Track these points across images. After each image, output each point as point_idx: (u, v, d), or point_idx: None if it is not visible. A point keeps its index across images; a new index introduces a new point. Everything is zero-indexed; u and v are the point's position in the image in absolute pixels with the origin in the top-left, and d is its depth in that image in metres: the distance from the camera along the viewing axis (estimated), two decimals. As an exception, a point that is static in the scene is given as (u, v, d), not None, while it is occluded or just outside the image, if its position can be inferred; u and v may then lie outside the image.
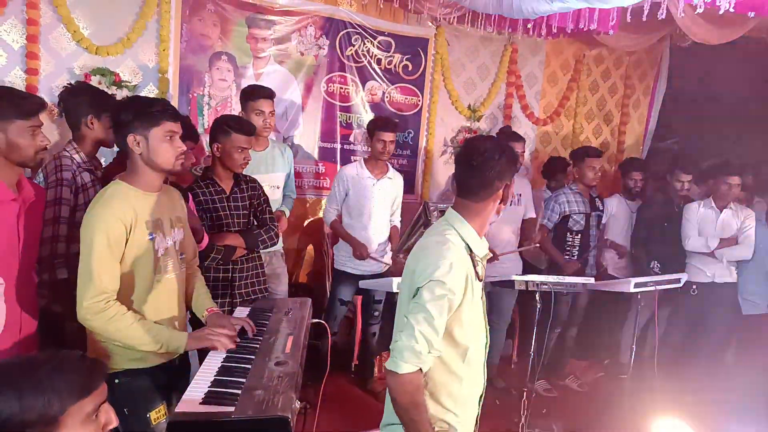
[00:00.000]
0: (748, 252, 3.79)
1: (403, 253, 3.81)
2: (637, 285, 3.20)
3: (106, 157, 3.07)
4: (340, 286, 3.66)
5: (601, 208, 4.06)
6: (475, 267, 1.69)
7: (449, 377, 1.68)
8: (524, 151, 4.04)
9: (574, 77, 5.21)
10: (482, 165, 1.67)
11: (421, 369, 1.56)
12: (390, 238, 3.73)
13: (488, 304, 3.92)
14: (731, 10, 2.96)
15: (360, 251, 3.51)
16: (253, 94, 3.24)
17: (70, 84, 2.71)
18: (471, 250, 1.69)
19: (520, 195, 3.89)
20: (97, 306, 1.75)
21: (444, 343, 1.64)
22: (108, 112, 2.53)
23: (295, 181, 3.89)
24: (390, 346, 1.62)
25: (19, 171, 1.93)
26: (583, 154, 3.94)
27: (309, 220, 4.30)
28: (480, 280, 1.72)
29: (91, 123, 2.51)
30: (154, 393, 1.88)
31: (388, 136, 3.49)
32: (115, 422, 1.20)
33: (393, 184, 3.69)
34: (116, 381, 1.81)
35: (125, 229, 1.80)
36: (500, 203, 1.73)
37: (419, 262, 1.65)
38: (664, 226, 4.03)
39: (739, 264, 3.90)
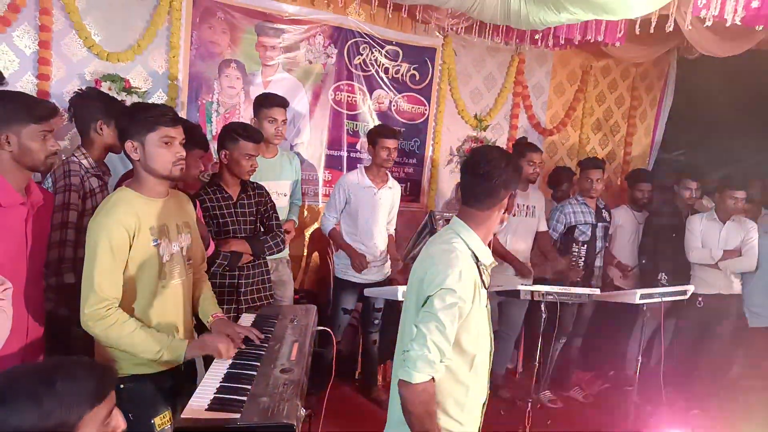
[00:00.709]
0: (752, 264, 3.78)
1: (410, 261, 3.82)
2: (642, 296, 3.19)
3: (114, 163, 3.08)
4: (342, 294, 3.65)
5: (608, 219, 4.05)
6: (481, 275, 1.70)
7: (456, 385, 1.68)
8: (542, 162, 3.99)
9: (580, 88, 5.22)
10: (488, 174, 1.68)
11: (433, 378, 1.57)
12: (387, 247, 3.73)
13: (497, 313, 3.92)
14: (739, 23, 2.96)
15: (359, 262, 3.51)
16: (267, 101, 3.27)
17: (81, 89, 2.73)
18: (477, 258, 1.70)
19: (534, 207, 3.88)
20: (98, 313, 1.76)
21: (452, 351, 1.64)
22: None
23: (301, 188, 3.91)
24: (401, 356, 1.62)
25: (28, 175, 1.95)
26: (583, 165, 3.97)
27: (314, 228, 4.31)
28: (486, 288, 1.73)
29: (101, 129, 2.53)
30: (159, 399, 1.88)
31: (392, 143, 3.50)
32: (123, 426, 1.20)
33: (392, 193, 3.70)
34: (121, 386, 1.80)
35: (128, 236, 1.81)
36: (504, 213, 1.75)
37: (428, 271, 1.66)
38: (671, 237, 4.01)
39: (744, 276, 3.88)
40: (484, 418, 1.83)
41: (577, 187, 4.00)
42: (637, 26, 3.48)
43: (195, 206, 2.40)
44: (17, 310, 1.81)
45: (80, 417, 1.09)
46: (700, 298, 3.84)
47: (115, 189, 2.51)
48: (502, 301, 3.77)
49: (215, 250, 2.61)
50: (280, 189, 3.38)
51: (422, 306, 1.62)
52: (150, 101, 3.48)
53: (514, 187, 1.73)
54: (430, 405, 1.57)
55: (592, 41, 3.87)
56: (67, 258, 2.31)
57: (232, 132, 2.72)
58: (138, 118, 1.85)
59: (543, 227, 3.95)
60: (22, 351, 1.86)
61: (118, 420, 1.20)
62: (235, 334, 2.00)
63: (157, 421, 1.85)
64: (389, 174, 3.70)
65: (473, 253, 1.69)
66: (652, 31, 3.27)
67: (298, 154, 4.09)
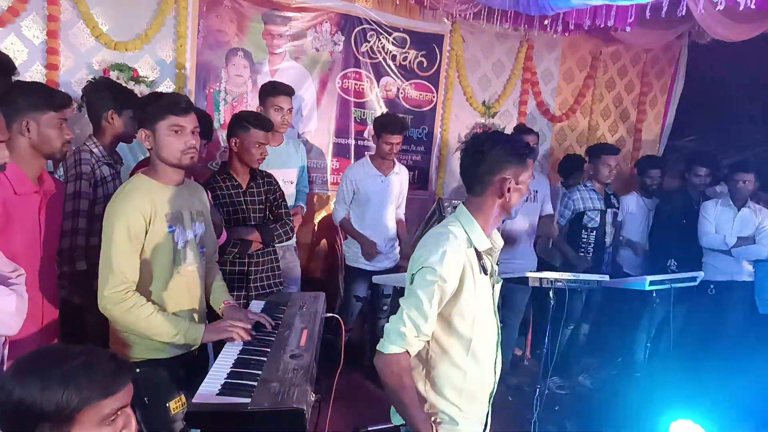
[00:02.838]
0: (765, 252, 3.75)
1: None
2: (652, 283, 3.17)
3: (125, 153, 3.11)
4: (354, 282, 3.68)
5: (616, 205, 4.03)
6: (480, 260, 1.68)
7: (452, 369, 1.70)
8: (537, 144, 4.02)
9: (590, 74, 5.16)
10: (473, 157, 1.69)
11: (408, 352, 1.61)
12: (397, 232, 3.75)
13: (500, 299, 3.90)
14: (752, 6, 2.92)
15: (370, 250, 3.52)
16: (273, 90, 3.27)
17: (94, 79, 2.75)
18: (473, 243, 1.68)
19: (536, 191, 3.87)
20: (117, 296, 1.79)
21: (446, 333, 1.68)
22: (128, 108, 2.58)
23: (309, 177, 3.92)
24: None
25: (43, 164, 1.98)
26: (599, 151, 3.91)
27: (322, 215, 4.32)
28: (486, 274, 1.70)
29: (112, 118, 2.55)
30: (173, 383, 1.91)
31: (396, 139, 3.49)
32: (134, 429, 1.18)
33: (399, 178, 3.70)
34: (137, 370, 1.84)
35: (145, 222, 1.84)
36: (500, 199, 1.68)
37: (416, 251, 1.70)
38: (682, 224, 3.99)
39: (755, 263, 3.85)
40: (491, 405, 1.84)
41: (591, 173, 3.97)
42: (648, 11, 3.43)
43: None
44: (32, 296, 1.84)
45: (81, 407, 1.07)
46: (712, 285, 3.82)
47: (130, 177, 2.54)
48: (504, 288, 3.76)
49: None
50: (287, 177, 3.39)
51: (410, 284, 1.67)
52: (157, 90, 3.49)
53: (507, 171, 1.66)
54: (403, 377, 1.60)
55: (601, 26, 3.82)
56: (79, 246, 2.34)
57: (243, 120, 2.73)
58: (149, 107, 1.88)
59: (546, 211, 3.95)
60: (37, 334, 1.90)
61: (130, 422, 1.17)
62: (247, 320, 2.02)
63: (171, 404, 1.88)
64: (395, 159, 3.70)
65: (469, 237, 1.68)
66: (663, 15, 3.22)
67: (306, 141, 4.10)
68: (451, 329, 1.68)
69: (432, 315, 1.60)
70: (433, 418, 1.71)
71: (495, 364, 1.79)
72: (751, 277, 3.86)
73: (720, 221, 3.84)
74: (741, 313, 3.86)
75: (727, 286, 3.82)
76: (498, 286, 1.82)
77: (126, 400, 1.17)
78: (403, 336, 1.59)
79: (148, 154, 2.03)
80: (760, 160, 4.12)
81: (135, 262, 1.84)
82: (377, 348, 1.63)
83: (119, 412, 1.15)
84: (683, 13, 3.17)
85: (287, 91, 3.29)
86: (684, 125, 5.55)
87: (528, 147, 1.75)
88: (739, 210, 3.81)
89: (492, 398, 1.82)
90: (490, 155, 1.66)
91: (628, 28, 3.88)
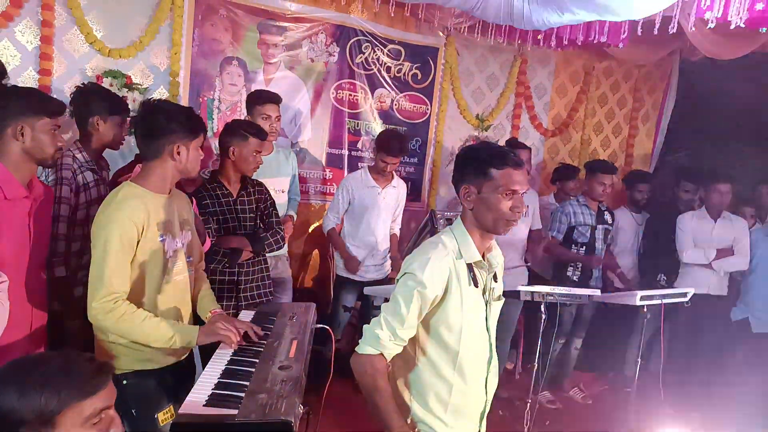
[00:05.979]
0: (745, 262, 3.76)
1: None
2: (643, 298, 3.17)
3: (114, 158, 3.08)
4: (342, 292, 3.67)
5: (609, 221, 4.04)
6: (472, 272, 1.66)
7: (437, 380, 1.69)
8: (529, 158, 4.04)
9: (583, 89, 5.21)
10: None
11: (383, 355, 1.62)
12: (390, 246, 3.74)
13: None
14: (742, 25, 2.95)
15: (351, 265, 3.54)
16: (260, 98, 3.27)
17: (82, 84, 2.74)
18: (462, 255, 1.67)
19: (527, 206, 3.88)
20: (106, 306, 1.76)
21: (432, 343, 1.67)
22: (115, 115, 2.57)
23: (302, 187, 3.90)
24: None
25: (34, 169, 1.96)
26: (596, 168, 3.91)
27: (315, 226, 4.30)
28: (476, 286, 1.67)
29: (98, 124, 2.53)
30: (161, 394, 1.89)
31: (394, 161, 3.49)
32: (118, 429, 1.17)
33: (397, 192, 3.70)
34: (124, 382, 1.81)
35: (137, 231, 1.82)
36: (470, 210, 1.66)
37: (406, 260, 1.70)
38: (671, 239, 4.00)
39: (745, 281, 3.86)
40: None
41: (586, 188, 3.98)
42: (640, 27, 3.47)
43: (191, 202, 2.40)
44: (20, 302, 1.83)
45: (60, 409, 1.07)
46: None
47: (111, 183, 2.52)
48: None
49: (214, 247, 2.61)
50: (278, 186, 3.38)
51: None
52: (151, 98, 3.48)
53: (470, 180, 1.64)
54: (377, 379, 1.60)
55: (595, 42, 3.86)
56: (59, 252, 2.32)
57: (242, 129, 2.72)
58: (186, 124, 1.89)
59: (535, 226, 3.98)
60: (25, 341, 1.88)
61: (115, 422, 1.16)
62: (235, 328, 2.00)
63: (160, 416, 1.85)
64: (394, 172, 3.70)
65: (459, 248, 1.67)
66: (655, 32, 3.26)
67: (300, 150, 4.10)
68: (438, 340, 1.67)
69: (410, 320, 1.60)
70: (415, 429, 1.69)
71: (487, 382, 1.76)
72: (726, 291, 3.86)
73: (698, 234, 3.85)
74: (716, 326, 3.86)
75: (703, 300, 3.80)
76: (498, 305, 1.78)
77: (108, 401, 1.16)
78: (378, 338, 1.60)
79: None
80: (752, 177, 4.15)
81: (126, 273, 1.81)
82: (355, 349, 1.65)
83: (102, 414, 1.14)
84: (675, 31, 3.21)
85: (274, 99, 3.28)
86: (676, 140, 5.60)
87: (494, 157, 1.62)
88: (715, 221, 3.83)
89: (484, 417, 1.79)
90: (456, 165, 1.71)
91: (621, 45, 3.92)
